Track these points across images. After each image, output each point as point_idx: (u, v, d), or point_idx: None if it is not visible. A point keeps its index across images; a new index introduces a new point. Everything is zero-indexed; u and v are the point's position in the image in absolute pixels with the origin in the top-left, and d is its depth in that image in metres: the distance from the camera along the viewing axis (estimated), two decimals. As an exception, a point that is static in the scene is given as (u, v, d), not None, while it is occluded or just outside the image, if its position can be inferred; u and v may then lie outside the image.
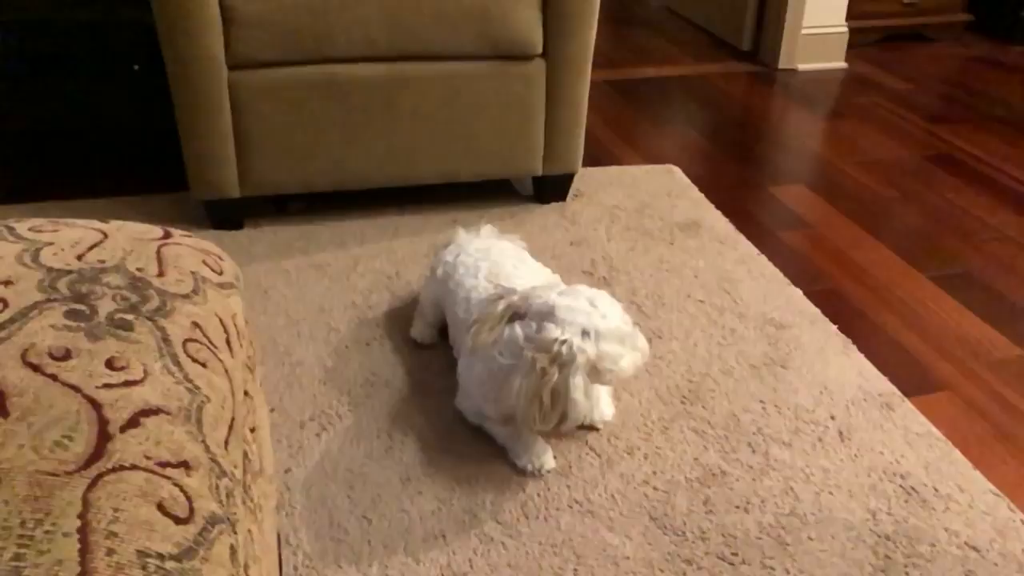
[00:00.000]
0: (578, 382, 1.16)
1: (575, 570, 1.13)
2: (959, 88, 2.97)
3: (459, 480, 1.26)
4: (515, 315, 1.22)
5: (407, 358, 1.51)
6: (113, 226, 0.75)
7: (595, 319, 1.17)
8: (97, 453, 0.50)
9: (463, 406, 1.35)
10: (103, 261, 0.68)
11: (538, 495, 1.24)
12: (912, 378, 1.53)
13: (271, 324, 1.58)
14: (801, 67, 3.04)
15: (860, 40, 3.19)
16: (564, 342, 1.15)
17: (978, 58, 3.24)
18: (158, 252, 0.72)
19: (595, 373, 1.19)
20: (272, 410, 1.37)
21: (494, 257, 1.44)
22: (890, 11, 3.28)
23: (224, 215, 1.87)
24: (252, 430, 0.76)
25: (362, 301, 1.66)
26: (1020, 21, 3.32)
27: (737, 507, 1.24)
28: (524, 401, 1.16)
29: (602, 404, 1.36)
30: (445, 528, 1.18)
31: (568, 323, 1.16)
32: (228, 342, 0.70)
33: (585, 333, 1.16)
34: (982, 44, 3.37)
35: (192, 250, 0.76)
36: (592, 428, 1.37)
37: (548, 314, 1.18)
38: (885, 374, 1.52)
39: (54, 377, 0.55)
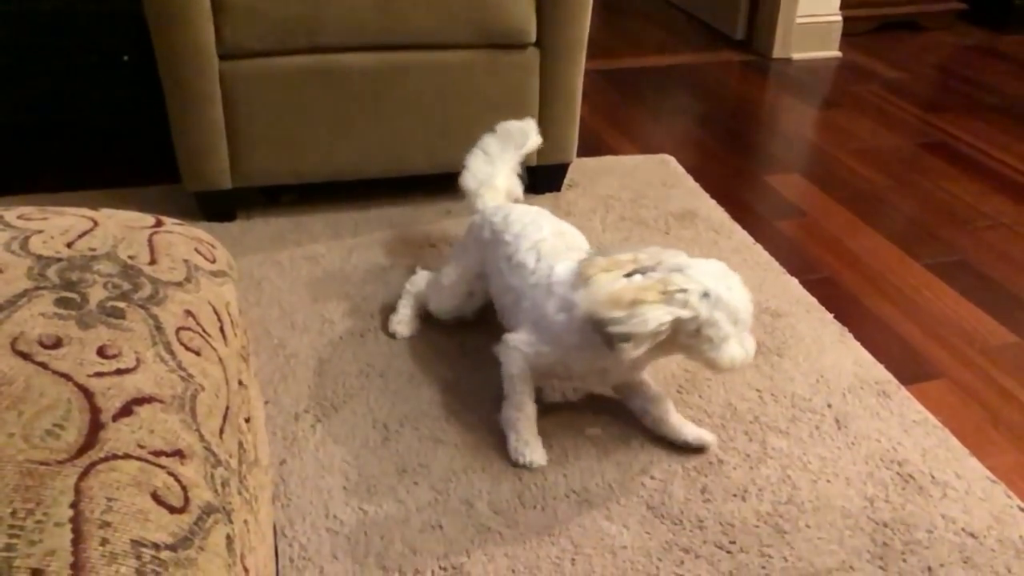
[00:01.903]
0: (663, 327, 1.09)
1: (572, 559, 1.13)
2: (953, 77, 2.97)
3: (455, 470, 1.25)
4: (637, 271, 1.17)
5: (402, 349, 1.50)
6: (104, 214, 0.73)
7: (721, 287, 1.14)
8: (89, 442, 0.50)
9: (525, 349, 1.26)
10: (94, 249, 0.66)
11: (535, 485, 1.24)
12: (908, 366, 1.53)
13: (264, 316, 1.57)
14: (795, 56, 3.03)
15: (854, 29, 3.18)
16: (683, 291, 1.11)
17: (972, 47, 3.24)
18: (150, 240, 0.71)
19: (695, 341, 1.14)
20: (267, 402, 1.36)
21: (547, 216, 1.44)
22: (884, 0, 3.27)
23: (216, 207, 1.86)
24: (247, 420, 0.75)
25: (356, 292, 1.65)
26: (1013, 10, 3.32)
27: (734, 495, 1.24)
28: (608, 302, 1.10)
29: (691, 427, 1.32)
30: (442, 518, 1.18)
31: (694, 280, 1.13)
32: (222, 330, 0.69)
33: (705, 295, 1.12)
34: (975, 33, 3.36)
35: (184, 238, 0.75)
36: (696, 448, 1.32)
37: (677, 268, 1.15)
38: (881, 362, 1.52)
39: (44, 365, 0.54)
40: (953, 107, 2.70)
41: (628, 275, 1.16)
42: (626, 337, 1.08)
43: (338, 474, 1.24)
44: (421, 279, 1.56)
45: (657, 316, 1.09)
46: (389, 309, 1.60)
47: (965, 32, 3.37)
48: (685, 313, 1.11)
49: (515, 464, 1.27)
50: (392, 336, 1.52)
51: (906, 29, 3.35)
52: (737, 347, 1.16)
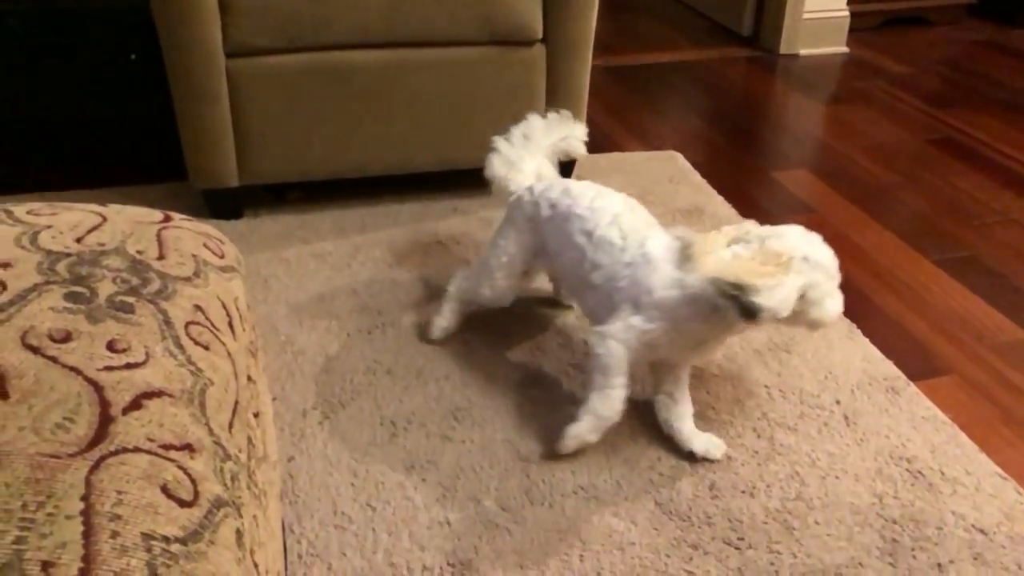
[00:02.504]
0: (787, 290, 1.13)
1: (580, 556, 1.13)
2: (961, 72, 2.95)
3: (463, 467, 1.25)
4: (733, 243, 1.21)
5: (409, 346, 1.50)
6: (112, 209, 0.73)
7: (816, 250, 1.18)
8: (99, 435, 0.50)
9: (628, 335, 1.23)
10: (103, 244, 0.67)
11: (543, 481, 1.24)
12: (917, 362, 1.53)
13: (272, 313, 1.57)
14: (802, 52, 3.02)
15: (861, 24, 3.17)
16: (794, 258, 1.15)
17: (980, 42, 3.23)
18: (158, 235, 0.71)
19: (798, 305, 1.15)
20: (274, 399, 1.36)
21: (608, 189, 1.40)
22: (891, -5, 3.26)
23: (223, 204, 1.86)
24: (256, 415, 0.75)
25: (363, 289, 1.65)
26: (1022, 4, 3.30)
27: (743, 492, 1.23)
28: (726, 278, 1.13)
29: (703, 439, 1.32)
30: (449, 515, 1.18)
31: (791, 246, 1.16)
32: (231, 325, 0.69)
33: (805, 259, 1.15)
34: (984, 27, 3.35)
35: (192, 233, 0.75)
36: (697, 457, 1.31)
37: (770, 237, 1.19)
38: (890, 358, 1.51)
39: (54, 359, 0.54)
40: (961, 102, 2.69)
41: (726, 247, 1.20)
42: (769, 308, 1.11)
43: (346, 471, 1.24)
44: (462, 278, 1.50)
45: (794, 284, 1.13)
46: (396, 306, 1.60)
47: (973, 27, 3.36)
48: (803, 279, 1.15)
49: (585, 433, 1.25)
50: (432, 341, 1.49)
51: (913, 24, 3.34)
52: (835, 302, 1.19)
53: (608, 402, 1.24)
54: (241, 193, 1.86)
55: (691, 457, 1.30)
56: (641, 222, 1.33)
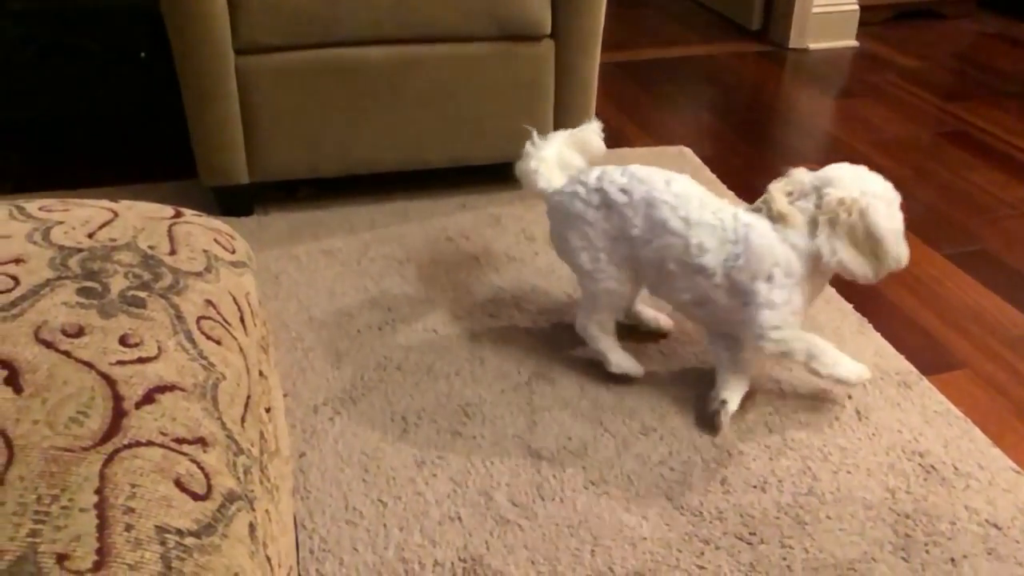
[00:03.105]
0: (876, 221, 1.25)
1: (592, 551, 1.13)
2: (972, 65, 2.93)
3: (474, 462, 1.25)
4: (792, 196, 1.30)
5: (419, 342, 1.50)
6: (123, 205, 0.74)
7: (869, 182, 1.29)
8: (113, 429, 0.50)
9: (778, 321, 1.28)
10: (114, 239, 0.67)
11: (554, 476, 1.24)
12: (929, 356, 1.52)
13: (282, 310, 1.58)
14: (812, 46, 3.00)
15: (871, 18, 3.15)
16: (843, 200, 1.25)
17: (990, 35, 3.20)
18: (169, 231, 0.71)
19: (863, 233, 1.26)
20: (285, 395, 1.37)
21: (660, 170, 1.39)
22: (901, -12, 3.24)
23: (233, 201, 1.87)
24: (267, 410, 0.76)
25: (373, 286, 1.65)
26: (1034, -3, 3.28)
27: (754, 487, 1.23)
28: (852, 259, 1.26)
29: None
30: (461, 510, 1.18)
31: (848, 188, 1.27)
32: (242, 320, 0.69)
33: (863, 193, 1.26)
34: (994, 20, 3.32)
35: (203, 229, 0.75)
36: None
37: (825, 184, 1.28)
38: (902, 353, 1.51)
39: (67, 354, 0.54)
40: (973, 96, 2.67)
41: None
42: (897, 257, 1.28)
43: (357, 467, 1.24)
44: (585, 315, 1.42)
45: (876, 222, 1.26)
46: (406, 302, 1.60)
47: (984, 20, 3.33)
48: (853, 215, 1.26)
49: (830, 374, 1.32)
50: (626, 375, 1.41)
51: (924, 17, 3.32)
52: (901, 246, 1.29)
53: (840, 361, 1.32)
54: (251, 190, 1.86)
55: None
56: (712, 197, 1.36)
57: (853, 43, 3.05)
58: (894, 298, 1.69)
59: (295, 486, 1.20)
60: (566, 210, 1.38)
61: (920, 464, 1.28)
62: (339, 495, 1.20)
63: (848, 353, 1.49)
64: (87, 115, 2.25)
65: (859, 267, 1.28)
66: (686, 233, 1.30)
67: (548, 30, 1.83)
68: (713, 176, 2.09)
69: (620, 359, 1.41)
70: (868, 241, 1.26)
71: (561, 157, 1.46)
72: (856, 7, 3.03)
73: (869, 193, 1.27)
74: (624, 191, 1.34)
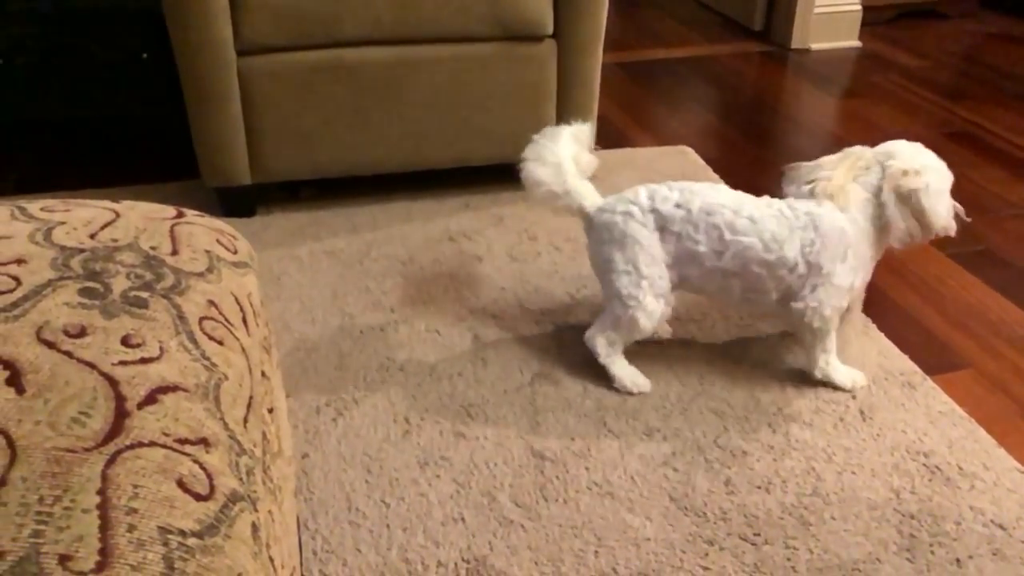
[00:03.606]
0: (929, 200, 1.35)
1: (596, 552, 1.12)
2: (975, 64, 2.93)
3: (477, 463, 1.25)
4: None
5: (421, 343, 1.50)
6: (125, 206, 0.73)
7: (927, 156, 1.37)
8: (115, 430, 0.50)
9: (837, 300, 1.36)
10: (116, 240, 0.67)
11: (557, 477, 1.23)
12: (933, 356, 1.51)
13: (285, 310, 1.57)
14: (814, 46, 3.00)
15: (873, 18, 3.15)
16: (906, 171, 1.34)
17: (993, 34, 3.20)
18: (171, 231, 0.71)
19: (913, 204, 1.34)
20: (288, 396, 1.37)
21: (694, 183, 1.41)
22: (904, -12, 3.24)
23: (235, 202, 1.87)
24: (270, 411, 0.75)
25: (376, 286, 1.65)
26: (1036, -4, 3.27)
27: (758, 487, 1.23)
28: (913, 226, 1.36)
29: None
30: (464, 511, 1.17)
31: (906, 158, 1.36)
32: (244, 321, 0.69)
33: (923, 165, 1.35)
34: (997, 20, 3.32)
35: (206, 229, 0.75)
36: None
37: (889, 155, 1.37)
38: (906, 353, 1.50)
39: (69, 354, 0.54)
40: (976, 95, 2.67)
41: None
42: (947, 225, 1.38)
43: (360, 467, 1.24)
44: (603, 332, 1.40)
45: (927, 199, 1.34)
46: (409, 303, 1.60)
47: (987, 19, 3.33)
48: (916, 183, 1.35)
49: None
50: (632, 393, 1.39)
51: (926, 17, 3.31)
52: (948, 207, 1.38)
53: (835, 364, 1.41)
54: (253, 191, 1.86)
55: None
56: (753, 197, 1.40)
57: (856, 43, 3.05)
58: (898, 298, 1.68)
59: (298, 487, 1.20)
60: (619, 230, 1.36)
61: (925, 464, 1.27)
62: (342, 496, 1.19)
63: (852, 353, 1.50)
64: (89, 116, 2.25)
65: (918, 233, 1.37)
66: (758, 231, 1.33)
67: (550, 31, 1.83)
68: (716, 176, 2.09)
69: (625, 376, 1.40)
70: (916, 210, 1.36)
71: (578, 163, 1.44)
72: (859, 7, 3.03)
73: (928, 166, 1.36)
74: (679, 205, 1.34)
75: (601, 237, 1.38)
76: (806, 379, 1.43)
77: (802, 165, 1.43)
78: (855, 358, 1.48)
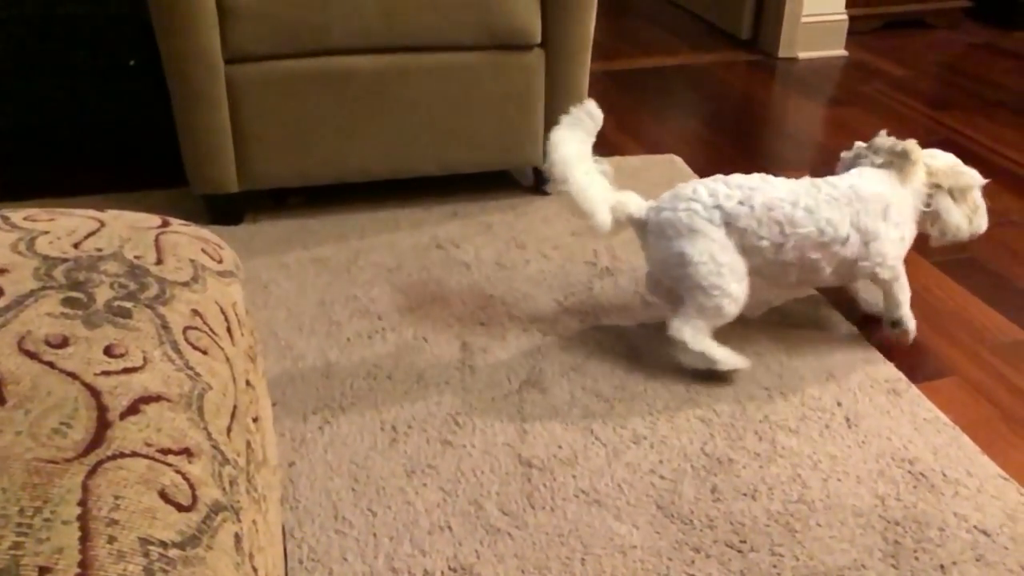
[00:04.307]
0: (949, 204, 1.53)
1: (582, 560, 1.12)
2: (959, 74, 2.96)
3: (464, 471, 1.25)
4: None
5: (409, 350, 1.50)
6: (110, 215, 0.73)
7: (965, 165, 1.57)
8: (96, 440, 0.49)
9: (900, 252, 1.51)
10: (100, 249, 0.66)
11: (544, 485, 1.23)
12: (918, 364, 1.52)
13: (272, 318, 1.57)
14: (801, 55, 3.02)
15: (860, 27, 3.17)
16: (962, 172, 1.54)
17: (978, 44, 3.23)
18: (156, 240, 0.71)
19: (969, 201, 1.55)
20: (275, 404, 1.36)
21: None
22: (889, -2, 3.27)
23: (223, 210, 1.86)
24: (255, 420, 0.75)
25: (363, 294, 1.65)
26: (1019, 7, 3.30)
27: (745, 494, 1.23)
28: (957, 219, 1.54)
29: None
30: (451, 520, 1.17)
31: (951, 163, 1.56)
32: (229, 330, 0.69)
33: (967, 171, 1.55)
34: (981, 30, 3.35)
35: (190, 238, 0.75)
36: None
37: (934, 156, 1.55)
38: (891, 360, 1.51)
39: (51, 364, 0.54)
40: (960, 104, 2.69)
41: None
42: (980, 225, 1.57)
43: (346, 476, 1.24)
44: (689, 322, 1.42)
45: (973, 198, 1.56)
46: (396, 311, 1.60)
47: (971, 29, 3.36)
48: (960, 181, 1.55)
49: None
50: (737, 369, 1.44)
51: (912, 27, 3.34)
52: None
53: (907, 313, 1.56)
54: (241, 198, 1.86)
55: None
56: (794, 181, 1.50)
57: (842, 52, 3.07)
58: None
59: (284, 495, 1.19)
60: (684, 224, 1.40)
61: (909, 471, 1.28)
62: (328, 504, 1.19)
63: (837, 359, 1.51)
64: (76, 123, 2.24)
65: (958, 226, 1.54)
66: (815, 220, 1.42)
67: (538, 39, 1.84)
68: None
69: (726, 356, 1.44)
70: (967, 207, 1.54)
71: (595, 173, 1.46)
72: (845, 17, 3.05)
73: (969, 172, 1.55)
74: (742, 203, 1.40)
75: (665, 233, 1.42)
76: (792, 386, 1.44)
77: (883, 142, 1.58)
78: (840, 365, 1.49)
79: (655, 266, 1.49)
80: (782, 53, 3.01)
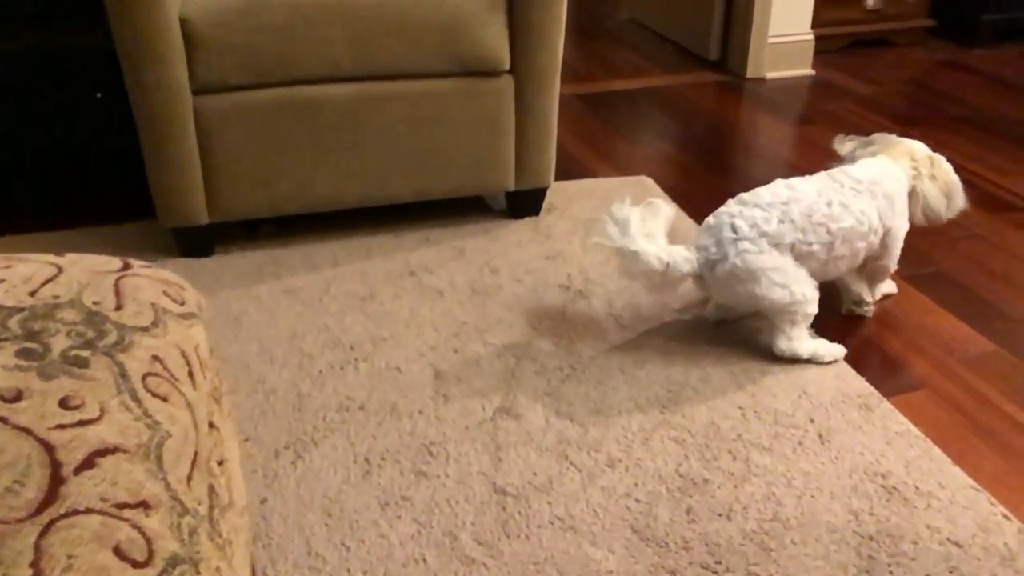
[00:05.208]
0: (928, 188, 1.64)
1: (559, 588, 1.12)
2: (924, 91, 3.01)
3: (438, 502, 1.24)
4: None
5: (382, 381, 1.49)
6: (69, 259, 0.73)
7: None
8: (49, 498, 0.49)
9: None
10: (57, 296, 0.66)
11: (519, 513, 1.23)
12: (889, 378, 1.54)
13: (243, 351, 1.56)
14: (769, 75, 3.06)
15: (826, 47, 3.23)
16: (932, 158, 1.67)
17: (941, 62, 3.29)
18: (116, 284, 0.71)
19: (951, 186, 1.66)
20: (246, 439, 1.35)
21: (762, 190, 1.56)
22: (854, 18, 3.32)
23: (193, 242, 1.85)
24: (220, 463, 0.75)
25: (335, 324, 1.64)
26: (980, 25, 3.37)
27: (720, 515, 1.23)
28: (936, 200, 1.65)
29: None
30: (425, 552, 1.17)
31: (927, 152, 1.69)
32: (191, 374, 0.69)
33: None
34: (944, 48, 3.42)
35: (152, 281, 0.75)
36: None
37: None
38: (863, 375, 1.53)
39: (4, 420, 0.53)
40: (925, 120, 2.74)
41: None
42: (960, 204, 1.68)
43: (319, 511, 1.23)
44: (795, 341, 1.53)
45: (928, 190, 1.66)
46: (369, 340, 1.59)
47: (934, 47, 3.43)
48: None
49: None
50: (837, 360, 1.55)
51: (877, 46, 3.40)
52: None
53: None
54: (211, 230, 1.85)
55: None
56: (816, 177, 1.59)
57: (809, 71, 3.12)
58: (853, 320, 1.71)
59: (256, 533, 1.18)
60: (743, 270, 1.47)
61: (882, 485, 1.29)
62: (301, 541, 1.18)
63: (809, 376, 1.52)
64: (43, 157, 2.22)
65: (939, 207, 1.64)
66: (852, 213, 1.51)
67: (507, 66, 1.85)
68: (674, 205, 2.11)
69: (830, 349, 1.55)
70: (946, 190, 1.65)
71: (652, 233, 1.50)
72: (811, 36, 3.10)
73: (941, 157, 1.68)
74: (782, 220, 1.46)
75: (728, 284, 1.49)
76: (766, 405, 1.45)
77: (853, 137, 1.73)
78: (812, 382, 1.51)
79: (729, 305, 1.60)
80: (750, 73, 3.05)
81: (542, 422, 1.40)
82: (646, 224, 1.48)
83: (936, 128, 2.66)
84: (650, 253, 1.44)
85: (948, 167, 1.68)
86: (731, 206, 1.52)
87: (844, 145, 1.74)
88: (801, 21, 3.06)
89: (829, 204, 1.50)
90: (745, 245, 1.46)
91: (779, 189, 1.52)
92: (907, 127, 2.67)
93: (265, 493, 1.25)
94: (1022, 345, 1.64)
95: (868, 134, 1.76)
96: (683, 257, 1.48)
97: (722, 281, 1.49)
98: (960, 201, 1.67)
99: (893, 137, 1.70)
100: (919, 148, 1.69)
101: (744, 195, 1.53)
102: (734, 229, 1.47)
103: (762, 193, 1.52)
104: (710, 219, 1.54)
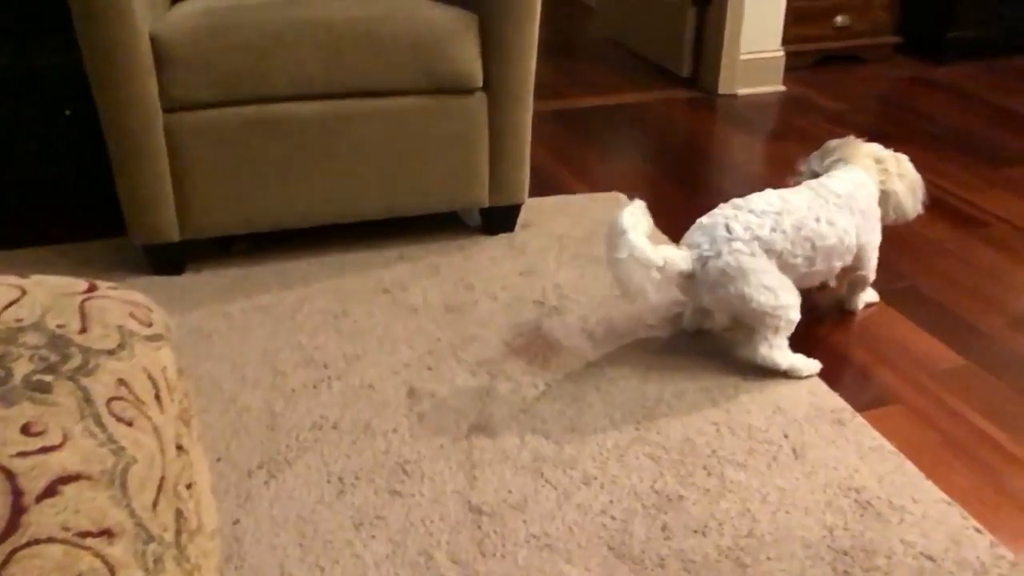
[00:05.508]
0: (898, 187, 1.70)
1: (535, 608, 1.11)
2: (893, 107, 3.06)
3: (413, 521, 1.23)
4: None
5: (355, 399, 1.48)
6: (32, 281, 0.71)
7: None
8: (10, 528, 0.48)
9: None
10: (20, 320, 0.65)
11: (495, 532, 1.22)
12: (862, 393, 1.55)
13: (215, 370, 1.54)
14: (741, 91, 3.10)
15: (796, 63, 3.27)
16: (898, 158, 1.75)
17: (908, 78, 3.35)
18: (81, 307, 0.69)
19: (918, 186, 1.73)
20: (219, 460, 1.33)
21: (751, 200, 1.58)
22: (823, 35, 3.37)
23: (164, 259, 1.83)
24: (188, 486, 0.73)
25: (308, 342, 1.63)
26: (947, 42, 3.44)
27: (695, 531, 1.23)
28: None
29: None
30: (400, 572, 1.15)
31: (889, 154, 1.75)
32: (158, 397, 0.67)
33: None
34: (912, 65, 3.48)
35: (118, 302, 0.73)
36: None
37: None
38: (836, 390, 1.54)
39: (-36, 447, 0.52)
40: (894, 136, 2.78)
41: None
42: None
43: (293, 531, 1.21)
44: (776, 350, 1.55)
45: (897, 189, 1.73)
46: (342, 358, 1.58)
47: (902, 64, 3.49)
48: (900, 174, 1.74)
49: None
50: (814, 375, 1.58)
51: (846, 62, 3.46)
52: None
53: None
54: (183, 247, 1.83)
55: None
56: (799, 191, 1.63)
57: (780, 88, 3.16)
58: (826, 336, 1.73)
59: (229, 555, 1.16)
60: (735, 268, 1.48)
61: (856, 500, 1.30)
62: (275, 562, 1.16)
63: (783, 391, 1.53)
64: (12, 175, 2.19)
65: (907, 205, 1.70)
66: (835, 232, 1.56)
67: (480, 83, 1.86)
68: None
69: (807, 364, 1.56)
70: (912, 188, 1.71)
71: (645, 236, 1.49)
72: (782, 53, 3.14)
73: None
74: (775, 229, 1.49)
75: (720, 281, 1.50)
76: (740, 421, 1.46)
77: (829, 144, 1.77)
78: (786, 398, 1.51)
79: (714, 307, 1.58)
80: (722, 90, 3.09)
81: (517, 440, 1.39)
82: (641, 225, 1.49)
83: (905, 143, 2.69)
84: (650, 251, 1.45)
85: (911, 165, 1.73)
86: (725, 209, 1.54)
87: (810, 162, 1.77)
88: (771, 38, 3.11)
89: (817, 220, 1.54)
90: (738, 245, 1.48)
91: (771, 199, 1.55)
92: (875, 142, 2.70)
93: (238, 514, 1.23)
94: (993, 360, 1.66)
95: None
96: (678, 255, 1.49)
97: (713, 279, 1.50)
98: (923, 197, 1.73)
99: (851, 139, 1.74)
100: (880, 149, 1.73)
101: (737, 200, 1.56)
102: (728, 229, 1.49)
103: (755, 200, 1.54)
104: (704, 219, 1.55)
